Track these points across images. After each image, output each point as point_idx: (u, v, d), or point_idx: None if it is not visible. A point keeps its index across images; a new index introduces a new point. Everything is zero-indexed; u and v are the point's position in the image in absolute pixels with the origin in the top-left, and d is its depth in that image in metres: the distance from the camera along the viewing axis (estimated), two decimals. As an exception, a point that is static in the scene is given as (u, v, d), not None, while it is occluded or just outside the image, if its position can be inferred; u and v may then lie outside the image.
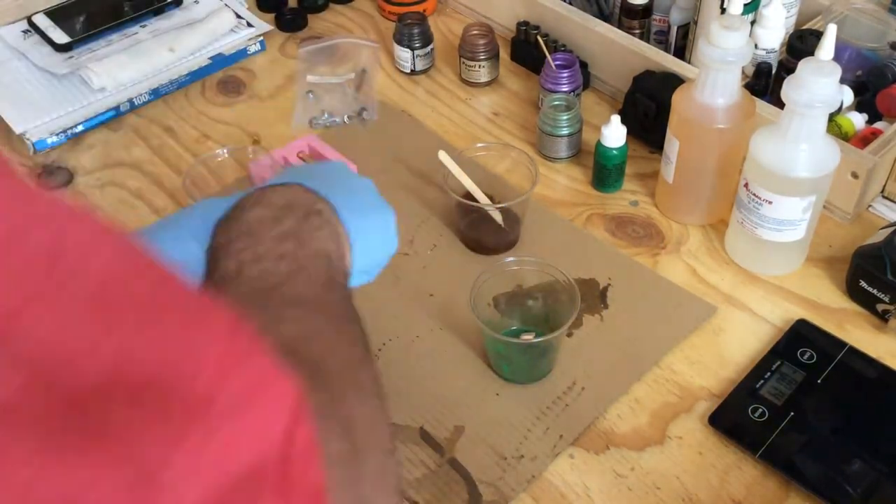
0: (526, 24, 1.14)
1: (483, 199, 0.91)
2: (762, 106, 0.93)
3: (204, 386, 0.32)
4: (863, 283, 0.84)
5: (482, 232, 0.91)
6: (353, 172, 0.66)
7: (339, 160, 0.66)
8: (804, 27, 1.05)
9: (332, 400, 0.43)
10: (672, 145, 0.89)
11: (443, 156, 0.90)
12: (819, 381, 0.78)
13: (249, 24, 1.21)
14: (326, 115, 1.08)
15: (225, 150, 0.96)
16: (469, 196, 0.90)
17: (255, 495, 0.33)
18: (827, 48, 0.75)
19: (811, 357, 0.80)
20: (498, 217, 0.90)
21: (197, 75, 1.16)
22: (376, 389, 0.49)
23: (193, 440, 0.31)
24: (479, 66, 1.12)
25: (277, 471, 0.34)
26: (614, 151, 0.95)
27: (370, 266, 0.62)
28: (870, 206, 0.95)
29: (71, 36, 1.15)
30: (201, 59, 1.16)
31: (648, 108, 0.99)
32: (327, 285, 0.53)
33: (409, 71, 1.16)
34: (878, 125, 0.95)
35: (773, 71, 1.01)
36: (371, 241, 0.60)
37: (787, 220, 0.83)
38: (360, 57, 1.18)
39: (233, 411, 0.33)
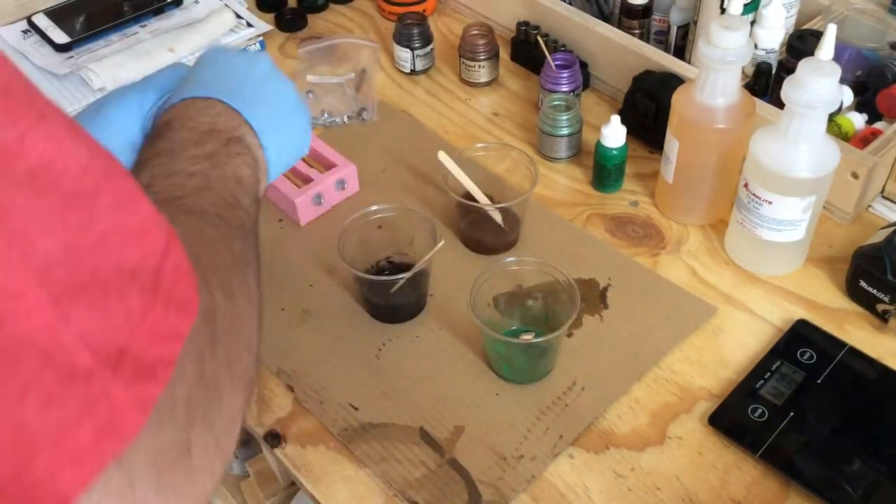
0: (526, 24, 1.14)
1: (483, 199, 0.91)
2: (762, 106, 0.93)
3: (91, 180, 0.36)
4: (863, 284, 0.84)
5: (482, 232, 0.91)
6: (271, 71, 0.66)
7: (263, 54, 0.68)
8: (804, 27, 1.05)
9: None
10: (672, 145, 0.89)
11: (442, 156, 0.90)
12: (819, 382, 0.78)
13: (249, 24, 1.21)
14: (326, 115, 1.08)
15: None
16: (469, 196, 0.90)
17: (126, 285, 0.36)
18: (827, 48, 0.75)
19: (811, 357, 0.80)
20: (498, 217, 0.90)
21: (197, 75, 1.15)
22: (247, 298, 0.50)
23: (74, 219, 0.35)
24: (479, 66, 1.12)
25: (151, 275, 0.38)
26: (614, 151, 0.95)
27: (281, 168, 0.63)
28: (870, 206, 0.95)
29: (71, 36, 1.15)
30: (201, 59, 1.16)
31: (648, 108, 0.99)
32: (231, 205, 0.54)
33: (409, 71, 1.16)
34: (878, 125, 0.95)
35: (773, 71, 1.01)
36: (286, 150, 0.63)
37: (787, 220, 0.83)
38: (360, 57, 1.18)
39: (118, 207, 0.37)
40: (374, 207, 0.80)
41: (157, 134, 0.58)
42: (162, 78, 0.68)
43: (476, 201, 0.91)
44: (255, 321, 0.50)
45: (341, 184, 0.97)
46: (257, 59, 0.66)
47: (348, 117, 1.09)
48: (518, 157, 0.94)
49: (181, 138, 0.56)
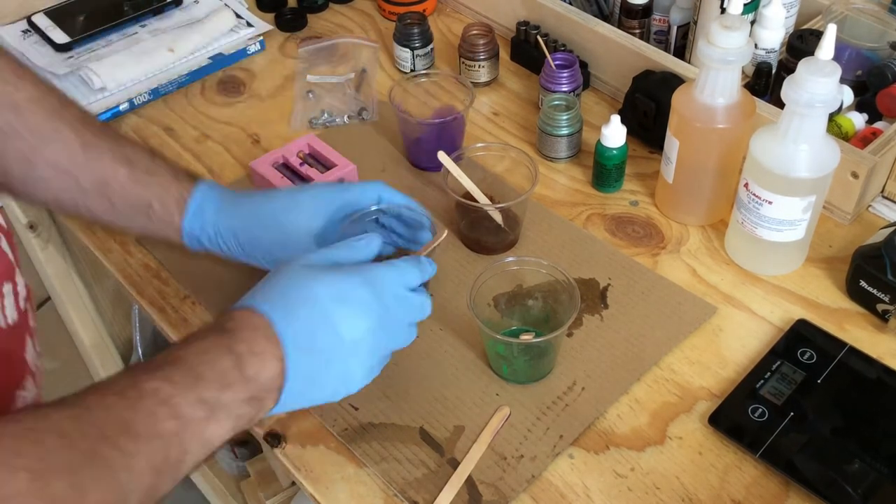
0: (526, 24, 1.14)
1: (483, 199, 0.91)
2: (762, 106, 0.93)
3: None
4: (863, 283, 0.84)
5: (482, 232, 0.91)
6: (364, 335, 0.64)
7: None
8: (804, 27, 1.05)
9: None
10: (672, 145, 0.89)
11: (442, 156, 0.90)
12: (819, 381, 0.78)
13: (249, 24, 1.21)
14: (326, 115, 1.09)
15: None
16: (469, 196, 0.90)
17: None
18: (827, 48, 0.75)
19: (811, 357, 0.80)
20: (498, 217, 0.90)
21: (197, 75, 1.16)
22: None
23: None
24: (479, 66, 1.12)
25: None
26: (614, 151, 0.95)
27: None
28: (870, 206, 0.95)
29: (71, 36, 1.15)
30: (201, 59, 1.16)
31: (648, 108, 0.99)
32: (174, 467, 0.54)
33: (409, 71, 1.16)
34: (878, 125, 0.95)
35: (773, 71, 1.01)
36: (299, 406, 0.64)
37: (787, 220, 0.83)
38: (360, 57, 1.18)
39: None
40: (373, 208, 0.79)
41: (225, 331, 0.59)
42: (356, 195, 0.78)
43: (476, 201, 0.91)
44: None
45: (341, 184, 0.97)
46: (366, 327, 0.64)
47: (348, 117, 1.09)
48: (518, 156, 0.94)
49: (221, 368, 0.57)
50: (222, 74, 1.17)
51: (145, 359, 1.48)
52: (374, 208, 0.79)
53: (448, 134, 0.99)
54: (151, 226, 0.79)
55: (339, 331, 0.62)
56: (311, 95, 1.12)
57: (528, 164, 0.92)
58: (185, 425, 0.54)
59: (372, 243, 0.69)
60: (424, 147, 1.00)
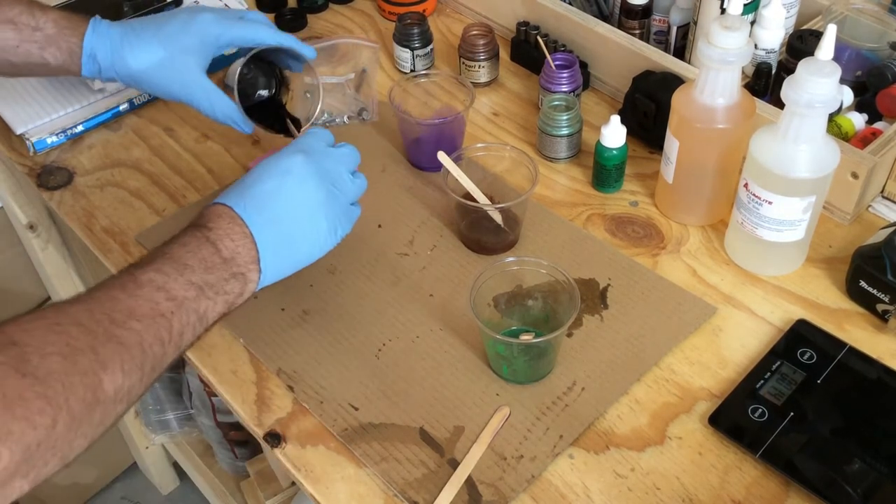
0: (526, 24, 1.14)
1: (482, 199, 0.91)
2: (762, 106, 0.93)
3: None
4: (863, 284, 0.84)
5: (482, 232, 0.92)
6: (316, 201, 0.74)
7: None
8: (804, 27, 1.05)
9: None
10: (672, 145, 0.89)
11: (442, 156, 0.90)
12: (819, 382, 0.78)
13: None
14: (326, 115, 1.08)
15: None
16: (469, 196, 0.90)
17: None
18: (827, 48, 0.75)
19: (811, 357, 0.80)
20: (498, 217, 0.90)
21: (197, 75, 1.16)
22: (84, 435, 0.57)
23: None
24: (479, 67, 1.12)
25: None
26: (614, 151, 0.95)
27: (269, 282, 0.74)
28: (870, 206, 0.95)
29: (71, 36, 1.15)
30: (201, 59, 1.16)
31: (648, 108, 0.99)
32: (167, 342, 0.63)
33: (409, 71, 1.16)
34: (878, 125, 0.95)
35: (773, 71, 1.01)
36: (283, 274, 0.74)
37: (787, 220, 0.83)
38: (360, 57, 1.18)
39: None
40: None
41: (201, 224, 0.70)
42: (241, 34, 0.88)
43: (476, 201, 0.91)
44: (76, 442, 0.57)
45: (341, 184, 0.97)
46: (316, 193, 0.74)
47: (348, 117, 1.09)
48: (518, 156, 0.94)
49: (202, 256, 0.67)
50: (222, 74, 1.17)
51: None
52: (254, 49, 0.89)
53: (448, 134, 0.99)
54: (53, 73, 0.91)
55: (289, 194, 0.72)
56: (308, 96, 1.11)
57: (528, 165, 0.92)
58: (180, 304, 0.64)
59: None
60: (424, 147, 1.00)
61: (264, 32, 0.88)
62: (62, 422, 0.54)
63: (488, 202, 0.91)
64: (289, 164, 0.74)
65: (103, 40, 0.88)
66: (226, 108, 0.88)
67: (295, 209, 0.73)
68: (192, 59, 0.87)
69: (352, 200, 0.78)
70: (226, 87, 0.91)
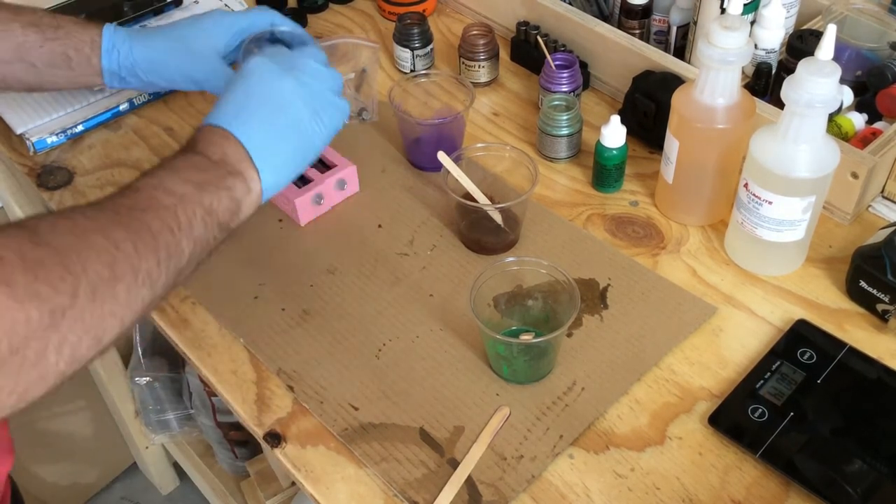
0: (526, 24, 1.14)
1: (482, 199, 0.91)
2: (762, 106, 0.93)
3: None
4: (863, 284, 0.84)
5: (482, 232, 0.92)
6: (293, 94, 0.74)
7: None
8: (804, 27, 1.05)
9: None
10: (672, 145, 0.89)
11: (442, 156, 0.90)
12: (819, 382, 0.78)
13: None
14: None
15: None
16: (469, 196, 0.90)
17: None
18: (827, 48, 0.75)
19: (811, 357, 0.80)
20: (498, 217, 0.90)
21: (197, 75, 1.16)
22: (115, 315, 0.58)
23: None
24: (479, 66, 1.12)
25: None
26: (614, 151, 0.95)
27: (279, 187, 0.74)
28: (870, 206, 0.95)
29: (71, 36, 1.15)
30: (201, 59, 1.16)
31: (648, 108, 0.99)
32: (177, 230, 0.64)
33: (409, 71, 1.16)
34: (878, 125, 0.95)
35: (773, 71, 1.01)
36: (284, 175, 0.74)
37: (787, 220, 0.83)
38: (360, 57, 1.17)
39: None
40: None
41: (182, 149, 0.71)
42: (251, 20, 0.91)
43: (475, 201, 0.91)
44: (103, 324, 0.57)
45: (341, 184, 0.97)
46: (281, 82, 0.74)
47: (349, 117, 1.08)
48: (518, 156, 0.94)
49: (191, 161, 0.69)
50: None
51: (145, 358, 1.48)
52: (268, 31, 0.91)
53: (448, 134, 0.99)
54: (74, 75, 0.92)
55: (258, 90, 0.73)
56: None
57: (528, 165, 0.92)
58: (181, 198, 0.65)
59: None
60: (424, 147, 1.00)
61: (273, 15, 0.91)
62: (84, 292, 0.54)
63: (488, 202, 0.91)
64: (249, 68, 0.74)
65: (121, 34, 0.92)
66: None
67: (268, 101, 0.73)
68: (209, 44, 0.89)
69: (330, 88, 0.77)
70: None
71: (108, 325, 0.57)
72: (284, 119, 0.73)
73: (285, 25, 0.91)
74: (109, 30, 0.92)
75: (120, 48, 0.91)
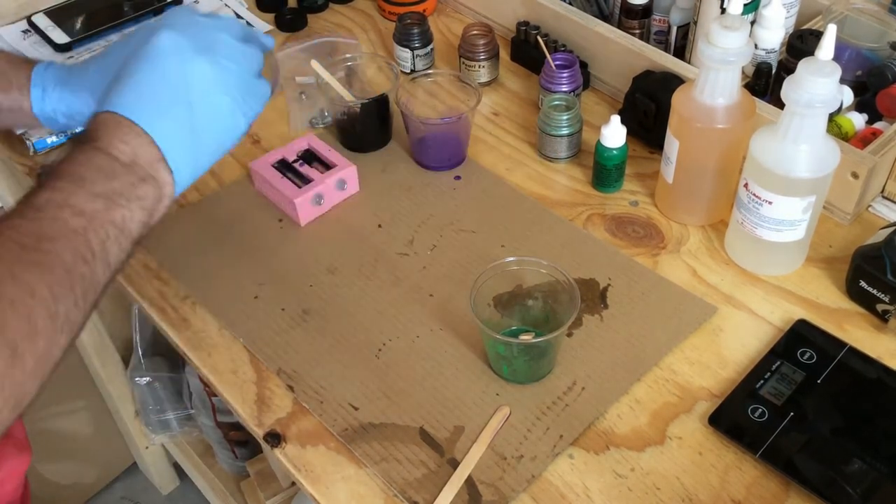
0: (526, 24, 1.14)
1: (350, 98, 1.00)
2: (762, 106, 0.93)
3: None
4: (863, 284, 0.84)
5: (356, 128, 1.01)
6: (213, 74, 0.66)
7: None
8: (804, 27, 1.05)
9: None
10: (672, 145, 0.89)
11: (314, 64, 1.00)
12: (819, 382, 0.78)
13: (249, 25, 1.21)
14: (327, 115, 1.08)
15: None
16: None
17: None
18: (827, 48, 0.75)
19: (811, 357, 0.80)
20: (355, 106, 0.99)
21: (197, 75, 1.15)
22: (32, 358, 0.53)
23: None
24: (479, 66, 1.12)
25: None
26: (614, 151, 0.95)
27: (192, 180, 0.67)
28: (870, 206, 0.95)
29: (71, 36, 1.15)
30: (201, 59, 1.16)
31: (648, 108, 0.99)
32: (90, 259, 0.58)
33: (408, 71, 1.16)
34: (878, 125, 0.95)
35: (773, 71, 1.01)
36: (201, 167, 0.67)
37: (787, 220, 0.83)
38: (346, 55, 1.17)
39: None
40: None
41: (84, 140, 0.62)
42: None
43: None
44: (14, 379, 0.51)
45: (341, 184, 0.97)
46: (198, 66, 0.66)
47: (266, 101, 1.08)
48: (381, 63, 1.08)
49: (98, 165, 0.60)
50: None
51: (145, 358, 1.48)
52: None
53: (454, 134, 0.99)
54: (10, 119, 0.79)
55: (170, 76, 0.64)
56: (303, 97, 1.11)
57: (388, 69, 1.03)
58: (91, 218, 0.58)
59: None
60: (430, 146, 1.00)
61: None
62: (2, 358, 0.50)
63: (353, 99, 1.00)
64: (157, 44, 0.65)
65: (50, 78, 0.76)
66: None
67: (183, 91, 0.65)
68: None
69: (250, 70, 0.69)
70: None
71: (29, 386, 0.52)
72: (202, 111, 0.65)
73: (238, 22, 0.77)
74: (38, 75, 0.76)
75: (49, 95, 0.76)
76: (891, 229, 0.84)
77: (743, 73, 0.90)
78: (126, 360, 1.53)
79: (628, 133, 0.95)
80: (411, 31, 1.13)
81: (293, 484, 1.38)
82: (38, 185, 0.60)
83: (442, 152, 1.00)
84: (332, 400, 0.80)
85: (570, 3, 1.13)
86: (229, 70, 0.67)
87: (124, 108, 0.63)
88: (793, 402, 0.77)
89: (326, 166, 0.98)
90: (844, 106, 0.97)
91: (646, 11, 1.08)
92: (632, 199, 0.98)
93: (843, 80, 0.90)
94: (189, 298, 0.89)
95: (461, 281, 0.89)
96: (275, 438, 0.77)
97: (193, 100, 0.65)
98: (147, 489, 1.79)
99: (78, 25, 1.17)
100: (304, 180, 0.96)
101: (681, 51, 1.08)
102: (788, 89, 0.77)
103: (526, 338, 0.79)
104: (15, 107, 0.77)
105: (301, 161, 0.99)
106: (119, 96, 0.63)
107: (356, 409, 0.79)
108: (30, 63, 0.78)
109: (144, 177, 0.62)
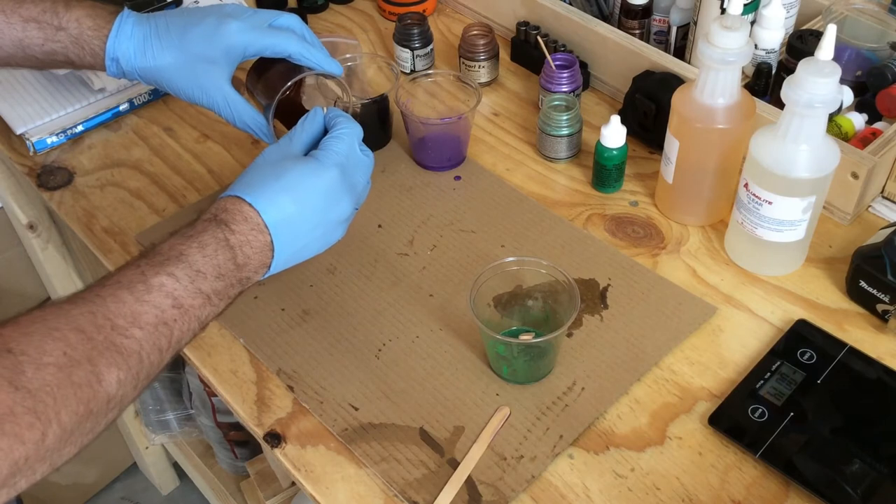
0: (526, 24, 1.14)
1: (350, 98, 0.98)
2: (762, 106, 0.93)
3: None
4: (863, 284, 0.84)
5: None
6: (331, 197, 0.72)
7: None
8: (804, 27, 1.05)
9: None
10: (672, 145, 0.89)
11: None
12: (819, 382, 0.78)
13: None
14: (352, 94, 1.08)
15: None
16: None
17: None
18: (827, 48, 0.75)
19: (811, 357, 0.80)
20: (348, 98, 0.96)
21: (197, 75, 1.15)
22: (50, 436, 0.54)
23: None
24: (479, 67, 1.12)
25: None
26: (614, 152, 0.95)
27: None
28: (870, 206, 0.95)
29: (71, 36, 1.15)
30: (201, 59, 1.16)
31: (648, 108, 0.99)
32: (165, 349, 0.62)
33: (408, 71, 1.16)
34: (878, 125, 0.95)
35: (773, 71, 1.01)
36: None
37: (787, 220, 0.83)
38: (345, 54, 1.17)
39: None
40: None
41: (221, 222, 0.67)
42: (275, 43, 0.83)
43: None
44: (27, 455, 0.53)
45: (341, 184, 0.97)
46: (343, 203, 0.73)
47: None
48: (381, 63, 1.07)
49: (217, 262, 0.66)
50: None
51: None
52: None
53: (454, 134, 1.00)
54: (77, 67, 0.88)
55: (321, 215, 0.71)
56: (304, 96, 1.11)
57: (389, 69, 1.01)
58: (185, 312, 0.63)
59: (317, 117, 0.77)
60: (430, 147, 1.00)
61: (293, 45, 0.83)
62: (52, 435, 0.53)
63: (354, 99, 0.98)
64: (327, 181, 0.71)
65: (126, 43, 0.84)
66: (248, 118, 0.84)
67: (320, 226, 0.72)
68: (214, 69, 0.83)
69: (365, 176, 0.77)
70: (248, 91, 0.90)
71: (67, 453, 0.56)
72: (320, 243, 0.73)
73: (302, 55, 0.83)
74: (113, 44, 0.84)
75: (122, 63, 0.85)
76: (891, 229, 0.84)
77: (743, 73, 0.90)
78: (126, 360, 1.53)
79: (628, 133, 0.95)
80: (411, 32, 1.13)
81: (293, 484, 1.38)
82: (162, 255, 0.64)
83: (442, 152, 1.00)
84: (332, 400, 0.80)
85: (570, 3, 1.13)
86: (358, 192, 0.75)
87: (272, 221, 0.69)
88: (793, 402, 0.77)
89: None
90: (844, 106, 0.97)
91: (646, 11, 1.08)
92: (632, 200, 0.98)
93: (843, 81, 0.90)
94: (189, 298, 0.89)
95: (461, 281, 0.89)
96: (275, 438, 0.77)
97: (323, 233, 0.73)
98: (147, 489, 1.79)
99: (78, 25, 1.17)
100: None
101: (681, 51, 1.08)
102: (788, 89, 0.77)
103: (526, 338, 0.79)
104: (86, 62, 0.86)
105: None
106: (272, 201, 0.69)
107: (356, 409, 0.79)
108: (107, 19, 0.85)
109: (243, 278, 0.68)
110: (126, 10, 0.85)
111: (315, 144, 0.75)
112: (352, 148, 0.74)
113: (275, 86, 0.84)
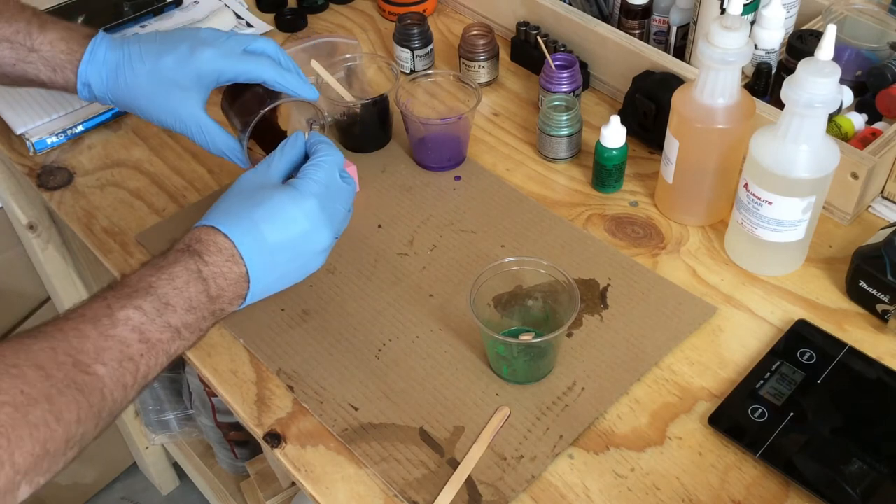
0: (526, 24, 1.14)
1: (349, 98, 0.99)
2: (762, 106, 0.93)
3: None
4: (862, 284, 0.84)
5: (356, 129, 1.01)
6: (309, 230, 0.71)
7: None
8: (804, 27, 1.05)
9: None
10: (672, 145, 0.89)
11: (315, 64, 1.00)
12: (819, 382, 0.78)
13: (249, 25, 1.21)
14: (327, 115, 1.08)
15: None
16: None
17: None
18: (827, 48, 0.75)
19: (811, 357, 0.80)
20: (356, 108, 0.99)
21: (197, 75, 1.15)
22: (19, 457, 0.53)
23: None
24: (479, 67, 1.12)
25: None
26: (614, 152, 0.95)
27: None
28: (870, 206, 0.95)
29: (71, 36, 1.15)
30: (201, 60, 1.16)
31: (648, 108, 0.99)
32: (129, 386, 0.60)
33: (408, 71, 1.16)
34: (878, 125, 0.95)
35: (773, 71, 1.01)
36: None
37: (787, 220, 0.83)
38: (345, 55, 1.17)
39: None
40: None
41: (194, 252, 0.66)
42: (247, 70, 0.82)
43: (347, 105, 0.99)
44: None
45: (341, 184, 0.97)
46: (321, 237, 0.72)
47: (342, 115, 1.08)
48: (381, 64, 1.08)
49: (189, 295, 0.64)
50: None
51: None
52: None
53: (454, 134, 1.00)
54: (50, 89, 0.86)
55: (298, 246, 0.70)
56: (277, 116, 1.11)
57: (389, 69, 1.03)
58: (153, 347, 0.61)
59: (298, 142, 0.76)
60: (430, 147, 1.00)
61: (267, 72, 0.82)
62: (4, 476, 0.52)
63: (353, 100, 1.00)
64: (306, 211, 0.70)
65: (99, 69, 0.83)
66: (223, 143, 0.84)
67: (298, 257, 0.72)
68: (188, 96, 0.82)
69: (345, 205, 0.76)
70: (224, 112, 0.89)
71: (23, 492, 0.54)
72: (298, 274, 0.73)
73: (276, 81, 0.83)
74: (85, 70, 0.83)
75: (94, 89, 0.84)
76: (891, 229, 0.84)
77: (743, 73, 0.90)
78: (126, 361, 1.53)
79: (628, 133, 0.95)
80: (411, 32, 1.13)
81: (293, 484, 1.38)
82: (130, 287, 0.62)
83: (442, 152, 1.00)
84: (332, 400, 0.80)
85: (570, 4, 1.13)
86: (338, 219, 0.74)
87: (247, 252, 0.68)
88: (793, 402, 0.77)
89: (326, 166, 0.98)
90: (844, 106, 0.97)
91: (646, 12, 1.08)
92: (632, 200, 0.98)
93: (842, 81, 0.90)
94: (189, 298, 0.89)
95: (461, 281, 0.89)
96: (275, 439, 0.77)
97: (300, 265, 0.72)
98: (147, 489, 1.79)
99: (78, 25, 1.17)
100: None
101: (681, 51, 1.08)
102: (788, 89, 0.77)
103: (526, 338, 0.79)
104: (58, 85, 0.84)
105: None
106: (248, 231, 0.68)
107: (356, 409, 0.79)
108: (80, 43, 0.84)
109: (216, 311, 0.67)
110: (100, 35, 0.84)
111: (294, 170, 0.74)
112: (332, 176, 0.73)
113: (250, 110, 0.83)
